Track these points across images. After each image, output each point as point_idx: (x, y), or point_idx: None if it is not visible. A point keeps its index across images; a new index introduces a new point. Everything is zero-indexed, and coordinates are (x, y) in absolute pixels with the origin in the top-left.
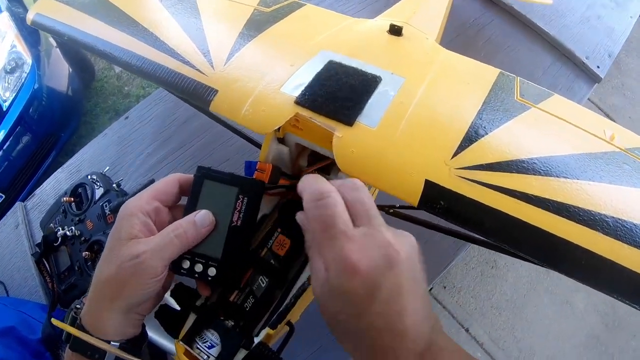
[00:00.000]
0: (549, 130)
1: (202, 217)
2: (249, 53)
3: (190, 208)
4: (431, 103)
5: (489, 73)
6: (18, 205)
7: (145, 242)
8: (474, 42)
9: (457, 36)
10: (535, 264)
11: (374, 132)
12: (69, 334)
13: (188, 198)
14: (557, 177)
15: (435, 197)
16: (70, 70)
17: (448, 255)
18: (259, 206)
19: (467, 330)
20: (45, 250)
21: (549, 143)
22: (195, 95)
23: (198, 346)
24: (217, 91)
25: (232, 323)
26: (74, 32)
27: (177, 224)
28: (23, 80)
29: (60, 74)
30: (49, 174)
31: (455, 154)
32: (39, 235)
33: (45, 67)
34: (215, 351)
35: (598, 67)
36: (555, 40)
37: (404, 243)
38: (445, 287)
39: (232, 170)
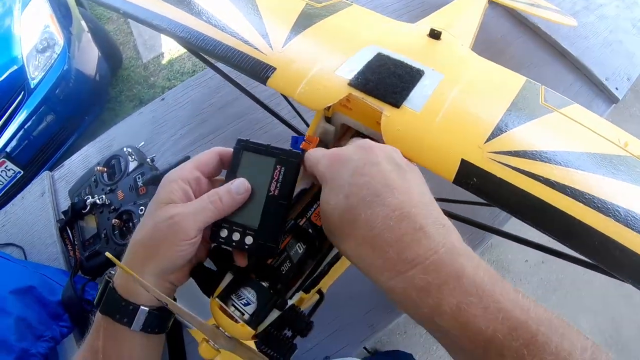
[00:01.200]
0: (569, 131)
1: (238, 184)
2: (304, 40)
3: (229, 178)
4: (466, 98)
5: (517, 79)
6: (45, 174)
7: (182, 206)
8: (500, 56)
9: (485, 49)
10: (553, 238)
11: (418, 115)
12: (100, 299)
13: (228, 169)
14: (576, 169)
15: (469, 174)
16: (100, 55)
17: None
18: (296, 176)
19: None
20: (72, 217)
21: (569, 141)
22: (254, 71)
23: (234, 303)
24: (275, 69)
25: (268, 284)
26: (131, 7)
27: (214, 191)
28: (53, 61)
29: (89, 58)
30: (66, 157)
31: (488, 140)
32: (64, 205)
33: (75, 49)
34: (250, 308)
35: (617, 88)
36: (577, 61)
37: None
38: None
39: None
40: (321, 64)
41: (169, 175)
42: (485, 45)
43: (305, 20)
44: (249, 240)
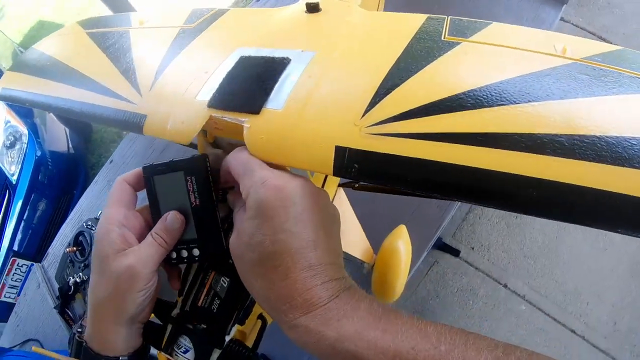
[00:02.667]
0: (481, 61)
1: (171, 220)
2: (170, 72)
3: (153, 207)
4: (341, 69)
5: (414, 22)
6: (36, 266)
7: (133, 252)
8: None
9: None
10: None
11: (280, 113)
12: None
13: (148, 199)
14: (491, 106)
15: (348, 161)
16: (67, 130)
17: (436, 218)
18: (208, 179)
19: (505, 286)
20: (63, 301)
21: (480, 74)
22: (130, 124)
23: (176, 352)
24: (145, 116)
25: (204, 326)
26: (32, 97)
27: (154, 232)
28: (24, 151)
29: (58, 136)
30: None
31: (365, 113)
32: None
33: (43, 133)
34: (190, 355)
35: None
36: None
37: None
38: (473, 248)
39: None
40: (183, 94)
41: (100, 227)
42: None
43: (175, 49)
44: (196, 252)
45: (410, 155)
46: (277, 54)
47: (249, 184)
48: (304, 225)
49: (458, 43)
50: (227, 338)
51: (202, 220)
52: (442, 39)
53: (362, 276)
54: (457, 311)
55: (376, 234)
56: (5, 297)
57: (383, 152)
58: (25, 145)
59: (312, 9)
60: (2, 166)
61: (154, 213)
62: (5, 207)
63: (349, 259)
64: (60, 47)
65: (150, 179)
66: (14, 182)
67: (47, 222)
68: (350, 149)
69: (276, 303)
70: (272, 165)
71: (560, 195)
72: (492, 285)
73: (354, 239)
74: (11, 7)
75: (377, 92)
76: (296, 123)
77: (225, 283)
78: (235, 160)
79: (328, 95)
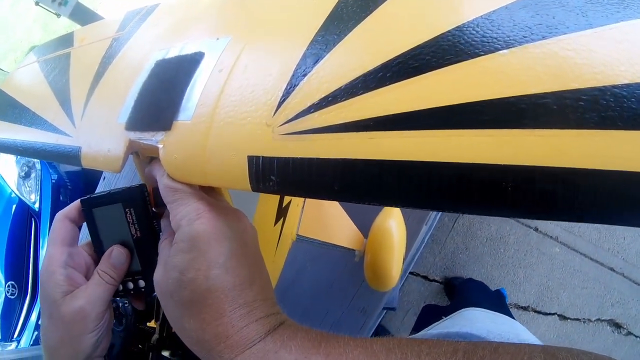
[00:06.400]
0: (426, 4)
1: (116, 255)
2: (98, 94)
3: (95, 241)
4: (256, 52)
5: None
6: None
7: (81, 293)
8: None
9: None
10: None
11: (189, 125)
12: None
13: (89, 232)
14: (440, 67)
15: (264, 173)
16: None
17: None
18: (147, 209)
19: (536, 230)
20: None
21: (423, 24)
22: (70, 158)
23: None
24: (80, 148)
25: (169, 353)
26: None
27: (100, 270)
28: (40, 178)
29: None
30: None
31: (278, 107)
32: None
33: None
34: None
35: None
36: None
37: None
38: None
39: None
40: (108, 118)
41: (44, 269)
42: None
43: (104, 65)
44: (142, 283)
45: (330, 157)
46: (189, 49)
47: (180, 216)
48: (239, 261)
49: None
50: None
51: (145, 251)
52: None
53: (354, 265)
54: (489, 261)
55: (364, 218)
56: None
57: (299, 156)
58: (40, 172)
59: None
60: (22, 197)
61: (96, 247)
62: (35, 235)
63: (336, 250)
64: (16, 84)
65: (89, 212)
66: (37, 210)
67: None
68: (263, 157)
69: (211, 343)
70: (203, 188)
71: (568, 190)
72: (523, 231)
73: (338, 228)
74: (2, 41)
75: (293, 76)
76: (205, 134)
77: None
78: (164, 187)
79: (238, 91)
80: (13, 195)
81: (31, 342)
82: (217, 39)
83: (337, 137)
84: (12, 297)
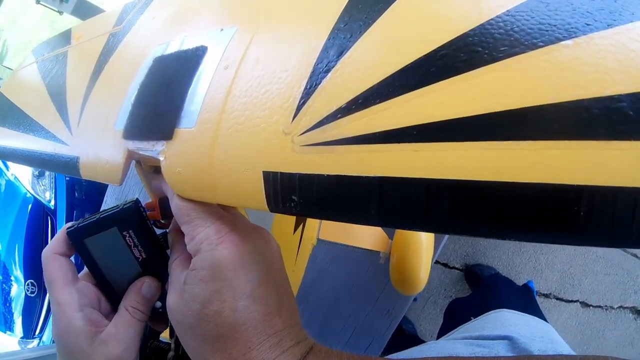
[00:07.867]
0: None
1: (148, 288)
2: (94, 98)
3: (96, 274)
4: (268, 44)
5: None
6: None
7: (111, 338)
8: None
9: None
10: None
11: (193, 133)
12: None
13: (86, 266)
14: (492, 62)
15: (284, 192)
16: None
17: None
18: (148, 226)
19: None
20: None
21: (461, 11)
22: (68, 169)
23: None
24: (78, 157)
25: None
26: None
27: (130, 307)
28: (54, 176)
29: None
30: None
31: (297, 111)
32: None
33: None
34: None
35: None
36: None
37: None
38: None
39: None
40: (105, 125)
41: (58, 320)
42: None
43: (101, 65)
44: (158, 304)
45: (364, 174)
46: (190, 42)
47: (199, 239)
48: (267, 288)
49: None
50: None
51: (156, 270)
52: None
53: (378, 266)
54: (510, 248)
55: None
56: None
57: (330, 173)
58: None
59: None
60: (37, 196)
61: (99, 280)
62: (51, 233)
63: (360, 253)
64: (16, 87)
65: (80, 243)
66: (52, 208)
67: None
68: (281, 174)
69: None
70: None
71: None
72: None
73: (363, 231)
74: (11, 39)
75: (313, 72)
76: (211, 144)
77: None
78: (175, 207)
79: (248, 92)
80: (28, 195)
81: (52, 340)
82: (221, 29)
83: (371, 149)
84: (32, 295)
